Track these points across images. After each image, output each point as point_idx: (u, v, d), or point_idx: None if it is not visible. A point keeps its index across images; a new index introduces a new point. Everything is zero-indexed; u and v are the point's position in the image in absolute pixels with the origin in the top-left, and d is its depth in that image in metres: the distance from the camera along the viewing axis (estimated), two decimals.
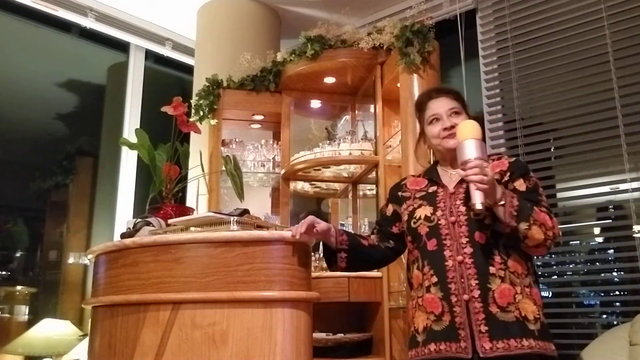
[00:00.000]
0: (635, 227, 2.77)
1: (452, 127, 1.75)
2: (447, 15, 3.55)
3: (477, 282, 1.60)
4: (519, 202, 1.59)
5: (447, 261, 1.65)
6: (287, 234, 1.69)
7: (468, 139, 1.58)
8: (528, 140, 3.19)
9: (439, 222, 1.70)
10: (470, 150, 1.55)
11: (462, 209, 1.69)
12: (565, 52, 3.15)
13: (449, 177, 1.81)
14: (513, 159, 1.79)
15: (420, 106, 1.89)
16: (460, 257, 1.63)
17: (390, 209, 1.91)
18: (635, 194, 2.79)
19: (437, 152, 1.89)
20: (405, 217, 1.82)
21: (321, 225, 1.70)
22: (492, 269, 1.61)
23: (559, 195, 3.14)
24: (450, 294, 1.62)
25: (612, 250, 3.04)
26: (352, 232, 1.86)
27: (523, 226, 1.56)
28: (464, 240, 1.65)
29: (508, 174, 1.72)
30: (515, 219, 1.56)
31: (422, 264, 1.71)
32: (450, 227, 1.68)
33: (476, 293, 1.59)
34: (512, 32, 3.38)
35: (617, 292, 2.96)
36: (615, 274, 2.95)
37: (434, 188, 1.80)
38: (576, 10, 3.14)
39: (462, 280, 1.61)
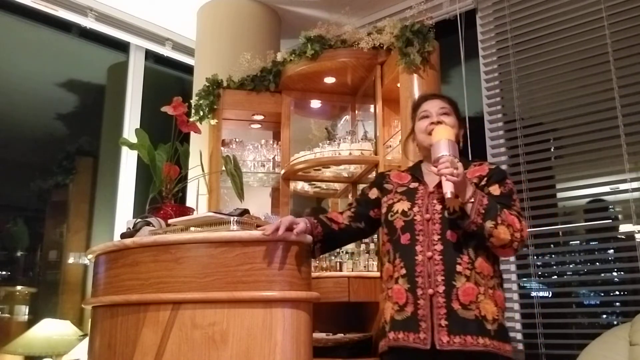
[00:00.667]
0: (635, 227, 2.77)
1: (439, 122, 1.85)
2: (447, 15, 3.56)
3: (443, 278, 1.68)
4: (489, 202, 1.68)
5: (417, 255, 1.72)
6: (287, 233, 1.69)
7: (442, 139, 1.70)
8: (528, 140, 3.19)
9: (415, 217, 1.78)
10: (442, 148, 1.68)
11: (438, 207, 1.77)
12: (565, 52, 3.15)
13: (432, 176, 1.86)
14: (494, 166, 1.88)
15: (416, 106, 2.01)
16: (430, 253, 1.71)
17: (374, 192, 1.97)
18: (635, 194, 2.79)
19: (422, 149, 1.95)
20: (384, 210, 1.89)
21: (300, 226, 1.72)
22: (458, 267, 1.69)
23: (559, 195, 3.15)
24: (416, 287, 1.69)
25: (612, 250, 3.04)
26: (322, 217, 1.90)
27: (489, 224, 1.64)
28: (436, 237, 1.73)
29: (486, 178, 1.81)
30: (481, 217, 1.65)
31: (394, 257, 1.79)
32: (425, 223, 1.75)
33: (441, 289, 1.67)
34: (512, 32, 3.38)
35: (617, 292, 2.96)
36: (615, 273, 2.95)
37: (415, 184, 1.89)
38: (576, 10, 3.15)
39: (429, 275, 1.69)
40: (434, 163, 1.69)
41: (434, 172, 1.69)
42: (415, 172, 1.93)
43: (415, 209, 1.79)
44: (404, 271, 1.73)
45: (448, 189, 1.62)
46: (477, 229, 1.66)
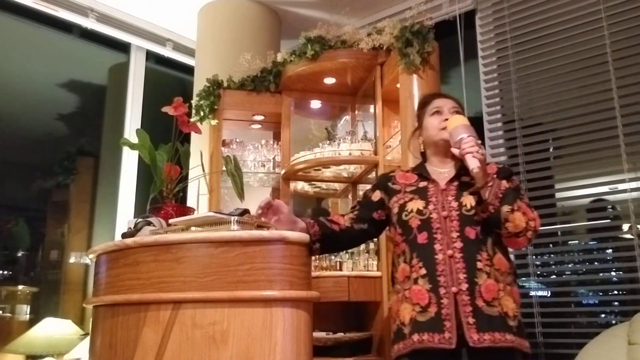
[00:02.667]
0: (634, 227, 2.78)
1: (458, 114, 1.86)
2: (447, 16, 3.56)
3: (465, 276, 1.67)
4: (506, 188, 1.70)
5: (437, 254, 1.70)
6: (287, 233, 1.70)
7: (459, 124, 1.72)
8: (527, 140, 3.20)
9: (431, 215, 1.75)
10: (461, 131, 1.69)
11: (454, 204, 1.75)
12: (565, 52, 3.16)
13: (438, 174, 1.88)
14: (501, 165, 1.90)
15: (424, 102, 1.99)
16: (450, 251, 1.69)
17: (377, 194, 1.95)
18: (634, 194, 2.80)
19: (431, 146, 1.94)
20: (395, 210, 1.86)
21: (284, 216, 1.76)
22: (479, 264, 1.68)
23: (558, 195, 3.15)
24: (439, 286, 1.67)
25: (610, 250, 3.05)
26: (322, 219, 1.89)
27: (506, 209, 1.65)
28: (455, 234, 1.71)
29: (494, 175, 1.79)
30: (499, 200, 1.66)
31: (410, 257, 1.76)
32: (442, 221, 1.73)
33: (464, 286, 1.66)
34: (511, 32, 3.38)
35: (616, 292, 2.96)
36: (613, 273, 2.96)
37: (424, 183, 1.86)
38: (575, 11, 3.15)
39: (451, 273, 1.67)
40: (454, 146, 1.69)
41: (456, 154, 1.69)
42: (422, 171, 1.91)
43: (431, 207, 1.76)
44: (423, 271, 1.70)
45: (475, 164, 1.63)
46: (494, 211, 1.66)
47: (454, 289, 1.65)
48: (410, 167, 2.05)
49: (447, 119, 1.84)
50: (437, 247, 1.71)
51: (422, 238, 1.74)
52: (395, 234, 1.85)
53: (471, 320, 1.62)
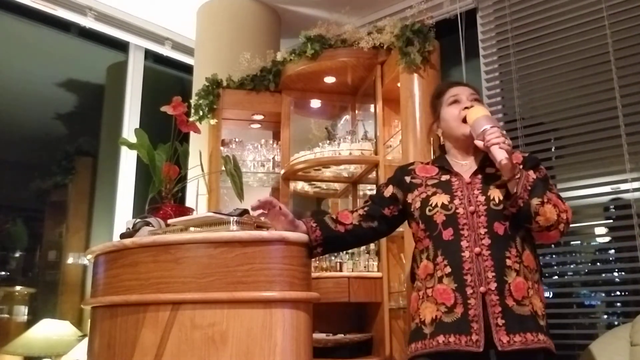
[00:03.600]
0: (637, 227, 2.76)
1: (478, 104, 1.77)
2: (448, 15, 3.55)
3: (493, 274, 1.58)
4: (535, 180, 1.61)
5: (464, 252, 1.61)
6: (287, 234, 1.69)
7: (480, 115, 1.64)
8: (529, 140, 3.18)
9: (457, 210, 1.66)
10: (484, 122, 1.61)
11: (481, 198, 1.66)
12: (566, 51, 3.14)
13: (460, 167, 1.79)
14: (527, 153, 1.79)
15: (440, 92, 1.89)
16: (478, 249, 1.60)
17: (389, 190, 1.86)
18: (637, 194, 2.78)
19: (451, 139, 1.84)
20: (417, 205, 1.75)
21: (285, 219, 1.74)
22: (508, 262, 1.60)
23: (560, 195, 3.13)
24: (465, 286, 1.58)
25: (613, 251, 3.03)
26: (326, 220, 1.83)
27: (535, 202, 1.56)
28: (482, 231, 1.62)
29: (521, 166, 1.69)
30: (528, 193, 1.57)
31: (435, 254, 1.67)
32: (469, 216, 1.64)
33: (493, 286, 1.57)
34: (512, 31, 3.37)
35: (619, 293, 2.95)
36: (616, 274, 2.94)
37: (446, 177, 1.77)
38: (577, 10, 3.14)
39: (479, 272, 1.59)
40: (478, 138, 1.61)
41: (481, 147, 1.61)
42: (443, 164, 1.81)
43: (457, 201, 1.67)
44: (449, 269, 1.61)
45: (502, 156, 1.54)
46: (523, 205, 1.56)
47: (482, 289, 1.57)
48: (430, 159, 1.95)
49: (466, 107, 1.75)
50: (464, 244, 1.62)
51: (447, 234, 1.65)
52: (418, 230, 1.75)
53: (500, 321, 1.54)
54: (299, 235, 1.73)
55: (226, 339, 1.57)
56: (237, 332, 1.57)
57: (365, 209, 1.87)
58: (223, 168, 2.32)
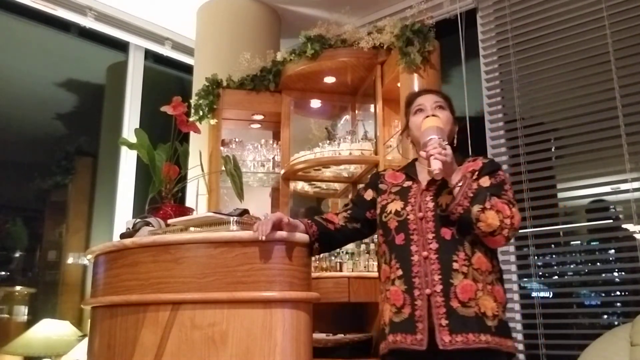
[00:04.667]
0: (636, 227, 2.76)
1: (434, 116, 1.81)
2: (448, 15, 3.55)
3: (440, 277, 1.66)
4: (478, 188, 1.67)
5: (413, 256, 1.70)
6: (287, 234, 1.68)
7: (430, 126, 1.71)
8: (529, 140, 3.18)
9: (408, 217, 1.75)
10: (431, 133, 1.67)
11: (431, 205, 1.74)
12: (566, 51, 3.14)
13: (426, 173, 1.82)
14: (487, 160, 1.84)
15: (408, 101, 1.97)
16: (425, 253, 1.69)
17: (369, 193, 1.94)
18: (636, 194, 2.78)
19: (417, 147, 1.91)
20: (378, 211, 1.87)
21: (287, 221, 1.71)
22: (455, 265, 1.66)
23: (560, 195, 3.14)
24: (413, 288, 1.67)
25: (613, 251, 3.03)
26: (317, 218, 1.90)
27: (476, 208, 1.62)
28: (430, 235, 1.70)
29: (477, 172, 1.77)
30: (469, 200, 1.63)
31: (390, 258, 1.76)
32: (418, 222, 1.73)
33: (438, 288, 1.65)
34: (512, 31, 3.37)
35: (618, 293, 2.95)
36: (616, 274, 2.94)
37: (409, 183, 1.86)
38: (577, 10, 3.14)
39: (426, 275, 1.67)
40: (422, 148, 1.67)
41: (423, 157, 1.68)
42: (409, 171, 1.90)
43: (408, 208, 1.76)
44: (400, 272, 1.71)
45: (435, 166, 1.60)
46: (464, 212, 1.63)
47: (427, 291, 1.65)
48: (403, 165, 2.03)
49: (427, 116, 1.81)
50: (413, 248, 1.71)
51: (399, 239, 1.74)
52: (379, 235, 1.87)
53: (444, 322, 1.62)
54: (299, 235, 1.73)
55: (226, 339, 1.57)
56: (237, 332, 1.57)
57: (349, 211, 1.94)
58: (223, 168, 2.32)
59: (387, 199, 1.85)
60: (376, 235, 1.92)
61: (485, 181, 1.74)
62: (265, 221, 1.66)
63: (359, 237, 2.02)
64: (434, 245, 1.68)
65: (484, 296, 1.65)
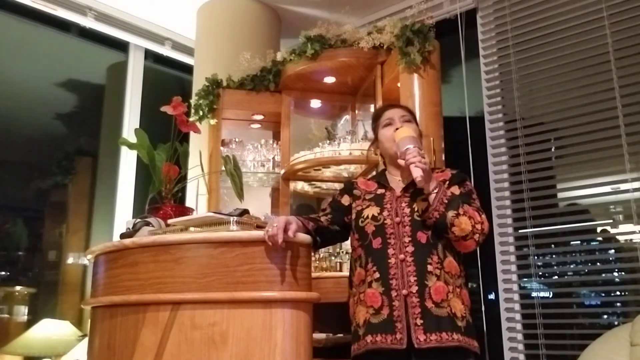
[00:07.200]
0: (636, 227, 2.76)
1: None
2: (448, 15, 3.54)
3: (415, 278, 1.75)
4: (452, 195, 1.80)
5: (390, 259, 1.78)
6: (286, 236, 1.68)
7: (406, 135, 1.81)
8: (529, 140, 3.18)
9: (385, 221, 1.84)
10: (408, 142, 1.77)
11: (407, 210, 1.84)
12: (566, 51, 3.14)
13: (397, 182, 1.97)
14: (455, 171, 1.96)
15: (376, 116, 2.08)
16: (402, 256, 1.78)
17: (346, 199, 2.01)
18: (636, 194, 2.78)
19: (387, 158, 2.02)
20: (353, 216, 1.95)
21: (293, 226, 1.70)
22: (429, 267, 1.76)
23: (560, 195, 3.14)
24: (391, 289, 1.75)
25: (612, 251, 3.03)
26: (309, 216, 1.97)
27: (451, 214, 1.73)
28: (407, 239, 1.79)
29: (447, 182, 1.89)
30: (444, 206, 1.74)
31: (366, 261, 1.83)
32: (395, 226, 1.82)
33: (414, 289, 1.74)
34: (512, 31, 3.37)
35: (618, 293, 2.95)
36: (616, 274, 2.94)
37: (382, 191, 1.95)
38: (577, 10, 3.14)
39: (403, 276, 1.76)
40: (400, 157, 1.76)
41: (402, 165, 1.77)
42: (381, 179, 2.00)
43: (385, 213, 1.85)
44: (377, 275, 1.78)
45: (418, 174, 1.70)
46: (439, 217, 1.73)
47: (404, 292, 1.73)
48: (372, 175, 2.13)
49: (397, 129, 1.90)
50: (391, 251, 1.79)
51: (376, 243, 1.82)
52: (353, 239, 1.93)
53: (419, 321, 1.70)
54: (299, 235, 1.73)
55: (226, 339, 1.57)
56: (237, 332, 1.58)
57: (329, 216, 2.00)
58: (223, 168, 2.32)
59: (362, 204, 1.94)
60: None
61: (456, 190, 1.86)
62: (276, 229, 1.62)
63: (338, 240, 2.10)
64: (410, 249, 1.78)
65: (454, 298, 1.76)
